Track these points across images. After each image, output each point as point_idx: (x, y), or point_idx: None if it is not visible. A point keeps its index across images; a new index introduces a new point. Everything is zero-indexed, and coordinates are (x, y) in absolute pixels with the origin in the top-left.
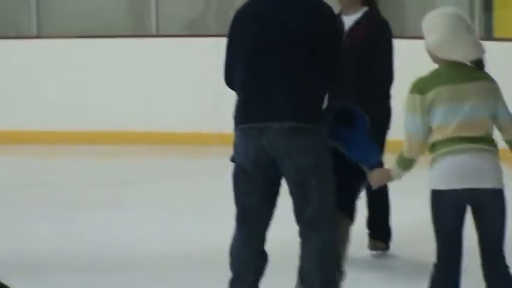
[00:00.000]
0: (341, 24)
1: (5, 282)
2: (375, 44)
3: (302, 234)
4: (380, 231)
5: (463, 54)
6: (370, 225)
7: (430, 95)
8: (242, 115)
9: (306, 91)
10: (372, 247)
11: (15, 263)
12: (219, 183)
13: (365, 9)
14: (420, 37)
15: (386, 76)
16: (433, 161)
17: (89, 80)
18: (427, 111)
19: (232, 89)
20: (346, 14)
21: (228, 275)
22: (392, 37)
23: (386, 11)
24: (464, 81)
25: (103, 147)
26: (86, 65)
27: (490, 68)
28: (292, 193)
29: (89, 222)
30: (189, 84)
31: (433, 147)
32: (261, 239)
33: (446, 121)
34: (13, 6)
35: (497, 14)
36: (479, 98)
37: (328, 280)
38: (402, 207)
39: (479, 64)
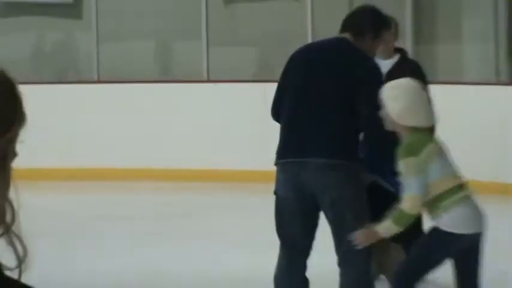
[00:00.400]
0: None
1: None
2: (422, 82)
3: (340, 265)
4: None
5: (426, 121)
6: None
7: (423, 154)
8: (283, 150)
9: (343, 131)
10: None
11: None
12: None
13: (398, 55)
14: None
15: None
16: (444, 210)
17: (152, 122)
18: (423, 170)
19: (278, 121)
20: (382, 58)
21: None
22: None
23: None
24: (433, 140)
25: (166, 184)
26: (147, 107)
27: None
28: (331, 227)
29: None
30: (240, 125)
31: (439, 198)
32: (303, 267)
33: (444, 174)
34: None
35: None
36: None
37: None
38: None
39: (432, 129)
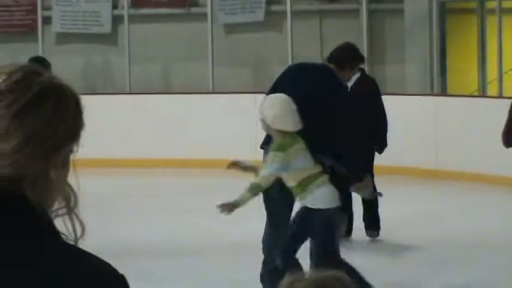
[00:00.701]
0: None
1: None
2: (378, 94)
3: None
4: (373, 223)
5: (292, 127)
6: (364, 218)
7: (289, 151)
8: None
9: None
10: (369, 235)
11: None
12: None
13: (359, 72)
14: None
15: (385, 116)
16: (310, 192)
17: (170, 124)
18: (287, 163)
19: None
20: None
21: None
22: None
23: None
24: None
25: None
26: (168, 113)
27: (445, 118)
28: None
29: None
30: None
31: (305, 183)
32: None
33: (306, 165)
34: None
35: (451, 77)
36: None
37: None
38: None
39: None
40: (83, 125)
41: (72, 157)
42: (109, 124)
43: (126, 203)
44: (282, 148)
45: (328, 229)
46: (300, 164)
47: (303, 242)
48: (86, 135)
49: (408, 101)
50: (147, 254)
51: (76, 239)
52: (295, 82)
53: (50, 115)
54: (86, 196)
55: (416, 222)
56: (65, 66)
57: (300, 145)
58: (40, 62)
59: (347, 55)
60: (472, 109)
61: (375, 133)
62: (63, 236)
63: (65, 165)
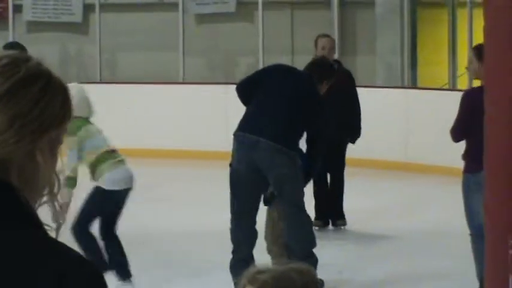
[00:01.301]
0: None
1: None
2: (353, 86)
3: (283, 219)
4: (341, 213)
5: (84, 113)
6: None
7: (80, 134)
8: (242, 124)
9: (292, 127)
10: (340, 224)
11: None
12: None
13: (336, 64)
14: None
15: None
16: (101, 173)
17: (140, 113)
18: (79, 145)
19: (245, 101)
20: None
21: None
22: None
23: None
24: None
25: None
26: (137, 102)
27: (415, 110)
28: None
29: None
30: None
31: (98, 163)
32: (252, 222)
33: (100, 146)
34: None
35: (421, 70)
36: None
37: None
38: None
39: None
40: (71, 115)
41: (60, 142)
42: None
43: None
44: (74, 132)
45: (114, 208)
46: (92, 145)
47: (94, 218)
48: None
49: (378, 93)
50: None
51: (58, 228)
52: (285, 79)
53: (37, 98)
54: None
55: (386, 213)
56: (36, 55)
57: (92, 127)
58: (14, 47)
59: (327, 71)
60: (442, 102)
61: (348, 123)
62: (46, 227)
63: (52, 152)
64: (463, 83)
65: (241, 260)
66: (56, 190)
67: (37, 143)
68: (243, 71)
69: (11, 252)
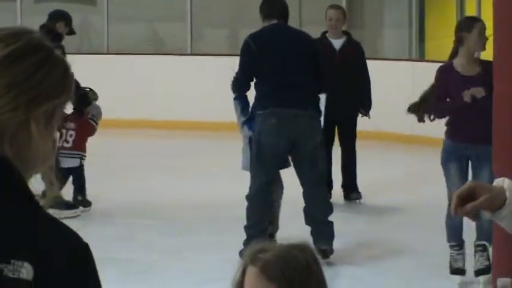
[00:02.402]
0: (330, 43)
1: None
2: (363, 58)
3: (309, 186)
4: (354, 187)
5: None
6: (346, 182)
7: None
8: (271, 100)
9: (313, 89)
10: (354, 197)
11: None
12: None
13: (345, 36)
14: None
15: (368, 78)
16: None
17: (145, 84)
18: None
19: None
20: (333, 38)
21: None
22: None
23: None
24: None
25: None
26: (142, 74)
27: (422, 83)
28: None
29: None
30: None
31: None
32: (271, 195)
33: None
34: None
35: (429, 43)
36: None
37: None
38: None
39: None
40: (70, 91)
41: (57, 118)
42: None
43: (112, 163)
44: None
45: None
46: None
47: None
48: None
49: (386, 66)
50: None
51: (48, 201)
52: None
53: (35, 68)
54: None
55: (395, 186)
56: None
57: None
58: (56, 16)
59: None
60: None
61: (358, 95)
62: (37, 198)
63: (48, 124)
64: None
65: (262, 231)
66: (49, 163)
67: (32, 113)
68: None
69: (2, 224)
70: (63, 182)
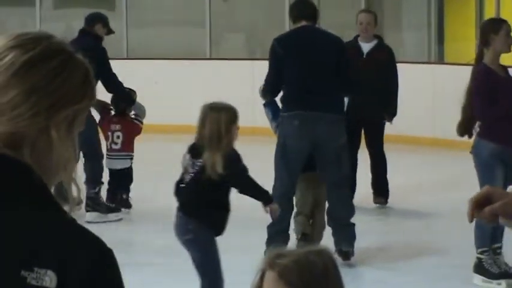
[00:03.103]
0: (359, 47)
1: None
2: (392, 62)
3: (335, 187)
4: (381, 191)
5: None
6: (373, 186)
7: None
8: (294, 103)
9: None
10: (375, 201)
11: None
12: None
13: (376, 40)
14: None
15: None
16: None
17: (167, 87)
18: None
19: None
20: (364, 42)
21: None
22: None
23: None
24: None
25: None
26: (163, 77)
27: (442, 86)
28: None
29: None
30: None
31: None
32: (292, 196)
33: None
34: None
35: (448, 46)
36: None
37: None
38: (398, 171)
39: None
40: (92, 96)
41: (79, 124)
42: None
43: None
44: None
45: None
46: None
47: None
48: None
49: (405, 69)
50: None
51: (71, 207)
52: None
53: (55, 73)
54: None
55: (419, 190)
56: (62, 31)
57: None
58: (95, 19)
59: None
60: (469, 77)
61: (386, 100)
62: (60, 204)
63: (69, 130)
64: None
65: (281, 232)
66: (71, 169)
67: (53, 119)
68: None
69: (17, 233)
70: (113, 184)
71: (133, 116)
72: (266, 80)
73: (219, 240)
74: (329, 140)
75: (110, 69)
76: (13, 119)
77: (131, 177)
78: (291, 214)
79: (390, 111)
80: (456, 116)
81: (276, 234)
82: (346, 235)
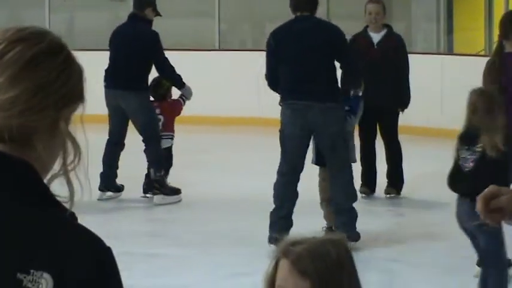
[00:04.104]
0: (369, 37)
1: None
2: (403, 51)
3: (333, 172)
4: (394, 181)
5: None
6: (388, 176)
7: None
8: (287, 92)
9: (330, 79)
10: (387, 192)
11: None
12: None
13: (385, 29)
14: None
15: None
16: None
17: None
18: None
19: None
20: (374, 32)
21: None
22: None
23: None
24: None
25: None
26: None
27: (451, 77)
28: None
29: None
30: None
31: None
32: (296, 181)
33: None
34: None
35: (457, 36)
36: None
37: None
38: (413, 163)
39: None
40: (85, 92)
41: (71, 119)
42: None
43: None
44: None
45: None
46: None
47: None
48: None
49: (414, 60)
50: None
51: (72, 201)
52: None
53: (61, 69)
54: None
55: (430, 180)
56: (72, 22)
57: None
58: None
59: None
60: (478, 68)
61: (398, 90)
62: (61, 200)
63: (69, 123)
64: None
65: (281, 218)
66: (70, 161)
67: (61, 112)
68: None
69: (13, 234)
70: (164, 165)
71: (181, 96)
72: (265, 73)
73: (222, 231)
74: (322, 127)
75: (163, 53)
76: (24, 112)
77: (171, 156)
78: (293, 202)
79: (403, 100)
80: (464, 106)
81: (275, 220)
82: (344, 220)
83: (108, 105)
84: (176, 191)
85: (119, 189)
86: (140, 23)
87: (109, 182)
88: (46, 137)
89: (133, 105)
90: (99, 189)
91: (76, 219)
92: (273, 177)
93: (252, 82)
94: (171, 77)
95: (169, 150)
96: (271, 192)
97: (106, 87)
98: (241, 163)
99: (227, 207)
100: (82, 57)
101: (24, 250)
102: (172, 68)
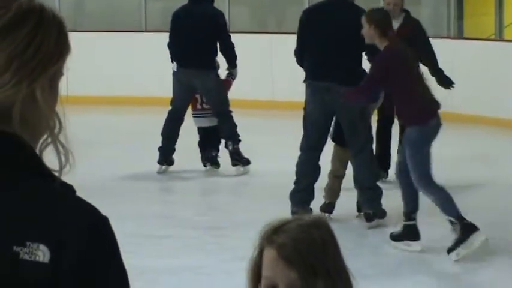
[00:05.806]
0: None
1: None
2: (422, 34)
3: (356, 153)
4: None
5: None
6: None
7: None
8: (310, 73)
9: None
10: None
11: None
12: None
13: (404, 14)
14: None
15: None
16: None
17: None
18: None
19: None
20: (393, 17)
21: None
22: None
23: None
24: None
25: None
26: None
27: (461, 61)
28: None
29: None
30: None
31: None
32: (318, 158)
33: None
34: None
35: (467, 21)
36: None
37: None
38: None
39: None
40: (68, 48)
41: (59, 77)
42: (120, 62)
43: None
44: None
45: None
46: None
47: None
48: (94, 72)
49: None
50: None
51: (61, 170)
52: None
53: (30, 37)
54: (101, 131)
55: (448, 165)
56: (81, 3)
57: None
58: None
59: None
60: (488, 53)
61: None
62: (53, 171)
63: (52, 87)
64: (510, 33)
65: (300, 191)
66: (57, 130)
67: (37, 82)
68: (290, 21)
69: (7, 207)
70: (202, 142)
71: (230, 76)
72: (294, 50)
73: (230, 215)
74: (341, 109)
75: (229, 33)
76: None
77: (219, 135)
78: (314, 177)
79: (443, 81)
80: (475, 91)
81: (297, 192)
82: (368, 197)
83: (177, 82)
84: (249, 162)
85: (172, 162)
86: (206, 4)
87: (168, 155)
88: (24, 110)
89: (209, 84)
90: (158, 163)
91: (74, 191)
92: (284, 161)
93: (264, 65)
94: (233, 55)
95: (217, 128)
96: (283, 176)
97: (180, 66)
98: (253, 147)
99: (238, 191)
100: (91, 38)
101: (19, 223)
102: (234, 48)
